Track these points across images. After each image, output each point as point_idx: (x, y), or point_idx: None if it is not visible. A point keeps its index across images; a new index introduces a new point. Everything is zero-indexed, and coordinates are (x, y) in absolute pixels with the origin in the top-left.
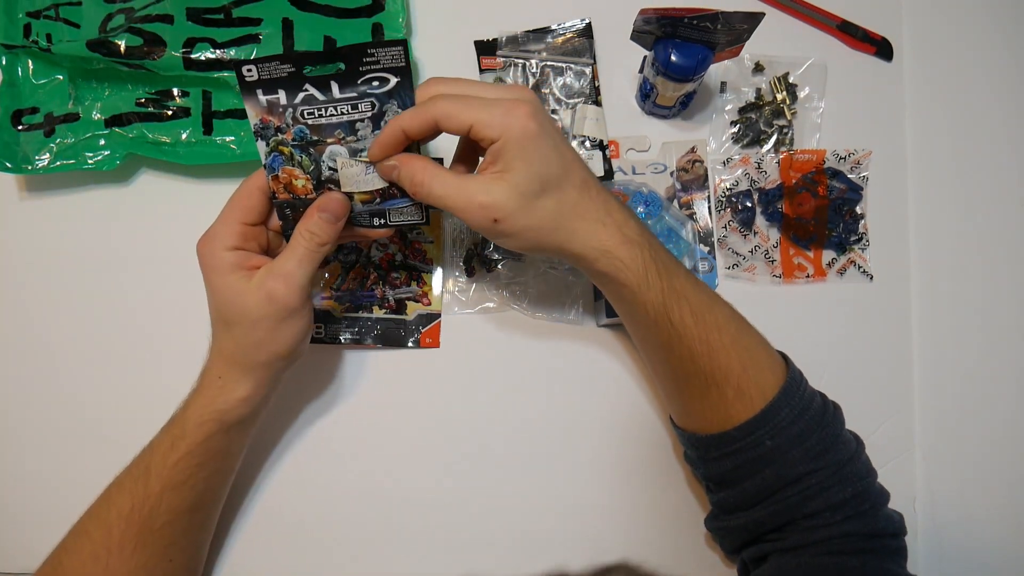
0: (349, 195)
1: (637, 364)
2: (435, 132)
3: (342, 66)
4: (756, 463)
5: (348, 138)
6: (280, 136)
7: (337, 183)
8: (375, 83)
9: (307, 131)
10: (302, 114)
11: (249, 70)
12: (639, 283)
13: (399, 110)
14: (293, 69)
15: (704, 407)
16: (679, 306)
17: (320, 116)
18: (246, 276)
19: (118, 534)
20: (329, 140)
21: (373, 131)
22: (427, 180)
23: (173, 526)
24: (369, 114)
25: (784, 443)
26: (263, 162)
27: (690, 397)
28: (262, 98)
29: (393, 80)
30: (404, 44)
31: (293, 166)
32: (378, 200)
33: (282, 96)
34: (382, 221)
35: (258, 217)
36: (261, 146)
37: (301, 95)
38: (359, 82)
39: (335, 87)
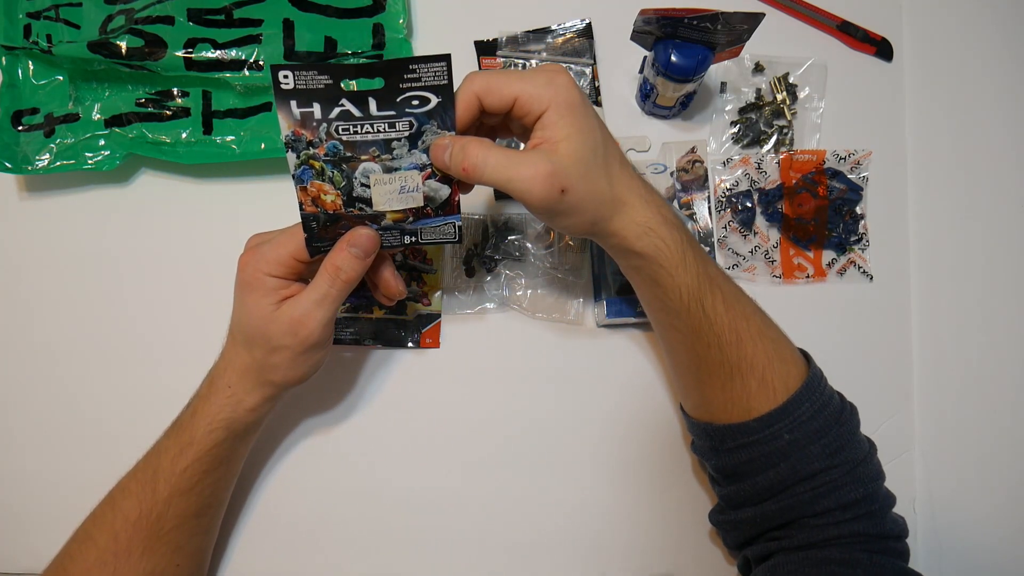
0: (381, 214)
1: (637, 363)
2: (477, 112)
3: (381, 82)
4: (772, 456)
5: (383, 156)
6: (312, 151)
7: (368, 201)
8: (415, 102)
9: (341, 147)
10: (336, 130)
11: (285, 76)
12: (676, 265)
13: (438, 131)
14: (331, 81)
15: (725, 397)
16: (712, 292)
17: (355, 133)
18: (277, 305)
19: (125, 539)
20: (363, 157)
21: (410, 150)
22: (482, 155)
23: (180, 531)
24: (407, 134)
25: (802, 438)
26: (292, 173)
27: (711, 387)
28: (296, 110)
29: (434, 100)
30: (447, 60)
31: (323, 181)
32: (411, 219)
33: (317, 110)
34: (413, 239)
35: (310, 257)
36: (291, 158)
37: (337, 110)
38: (398, 100)
39: (372, 104)
